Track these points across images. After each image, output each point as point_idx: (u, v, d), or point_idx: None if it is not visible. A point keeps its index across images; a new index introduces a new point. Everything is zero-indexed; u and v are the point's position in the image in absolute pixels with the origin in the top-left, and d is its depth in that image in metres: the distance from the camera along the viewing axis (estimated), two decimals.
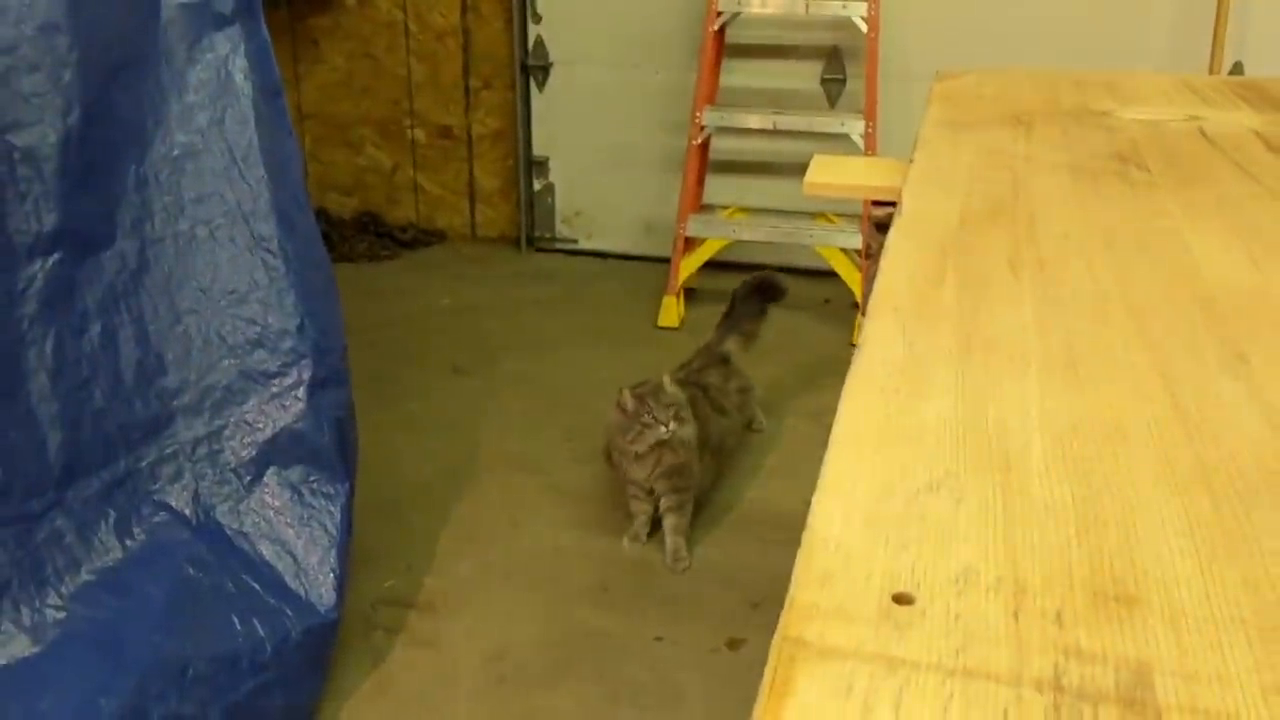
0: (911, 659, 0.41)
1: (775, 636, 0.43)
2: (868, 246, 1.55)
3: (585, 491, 2.55)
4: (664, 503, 2.29)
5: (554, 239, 4.26)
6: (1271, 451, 0.55)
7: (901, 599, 0.44)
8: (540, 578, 2.23)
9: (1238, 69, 3.43)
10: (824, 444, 2.44)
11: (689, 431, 2.25)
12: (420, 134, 4.32)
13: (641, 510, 2.31)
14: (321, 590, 1.82)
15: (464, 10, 4.12)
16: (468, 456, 2.73)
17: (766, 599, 2.17)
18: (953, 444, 0.56)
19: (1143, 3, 3.47)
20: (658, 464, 2.25)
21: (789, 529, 2.05)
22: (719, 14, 3.34)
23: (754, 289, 2.80)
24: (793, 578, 0.46)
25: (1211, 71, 3.29)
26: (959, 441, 0.56)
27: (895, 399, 0.61)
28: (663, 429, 2.19)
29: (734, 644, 2.04)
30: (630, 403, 2.23)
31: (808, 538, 0.48)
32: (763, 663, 1.73)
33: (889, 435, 0.57)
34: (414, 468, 2.65)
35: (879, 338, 0.69)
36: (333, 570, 1.84)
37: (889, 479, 0.53)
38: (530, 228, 4.25)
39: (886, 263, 0.82)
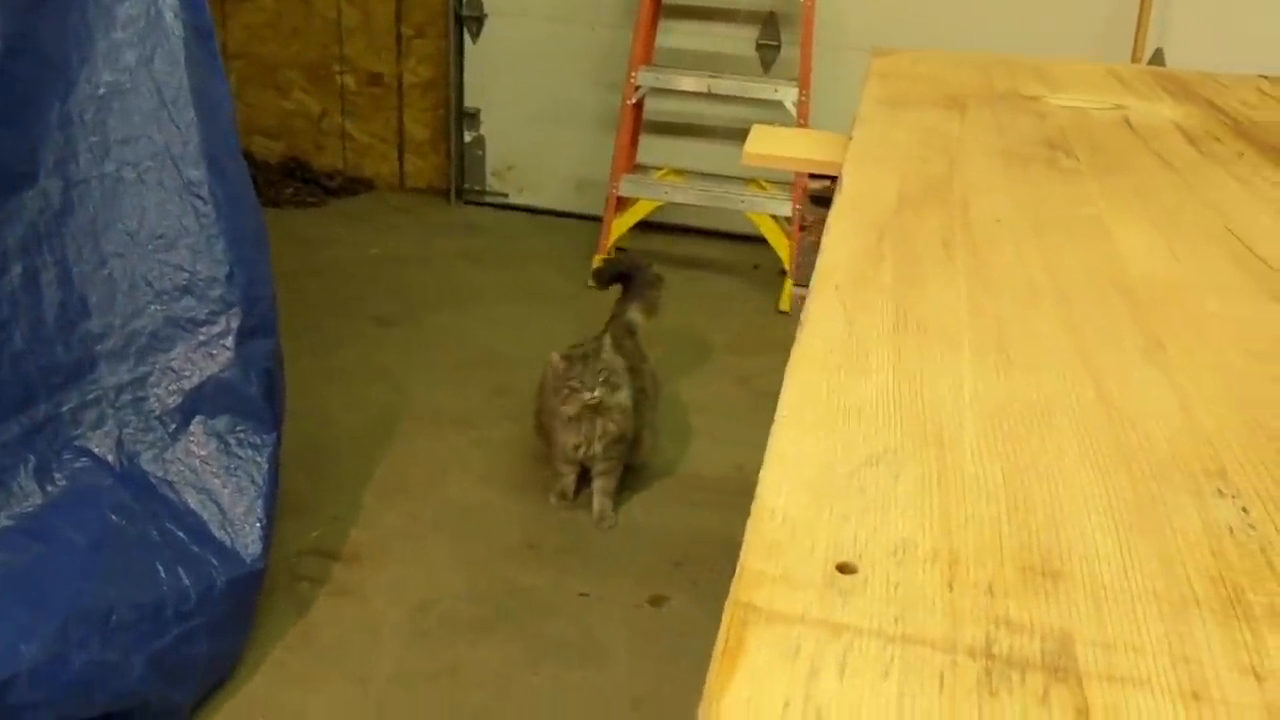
0: (854, 625, 0.44)
1: (727, 601, 0.45)
2: (802, 217, 1.58)
3: (515, 448, 2.57)
4: (597, 468, 2.31)
5: (484, 192, 4.23)
6: (1184, 436, 0.59)
7: (845, 568, 0.47)
8: (467, 532, 2.25)
9: (1159, 55, 3.53)
10: (750, 407, 2.54)
11: (624, 397, 2.26)
12: (350, 80, 4.25)
13: (569, 471, 2.33)
14: (247, 540, 1.82)
15: None
16: (396, 409, 2.72)
17: (689, 558, 2.21)
18: (890, 421, 0.59)
19: None
20: (599, 433, 2.25)
21: (713, 490, 2.12)
22: None
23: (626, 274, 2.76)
24: (743, 546, 0.49)
25: (1134, 57, 3.37)
26: (896, 419, 0.59)
27: (836, 375, 0.64)
28: (587, 394, 2.19)
29: (656, 601, 2.08)
30: (560, 365, 2.23)
31: (756, 508, 0.51)
32: (685, 619, 1.79)
33: (831, 410, 0.60)
34: (341, 418, 2.64)
35: (820, 315, 0.72)
36: (259, 520, 1.84)
37: (831, 453, 0.56)
38: (460, 180, 4.22)
39: (828, 240, 0.85)
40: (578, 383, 2.20)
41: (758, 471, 2.10)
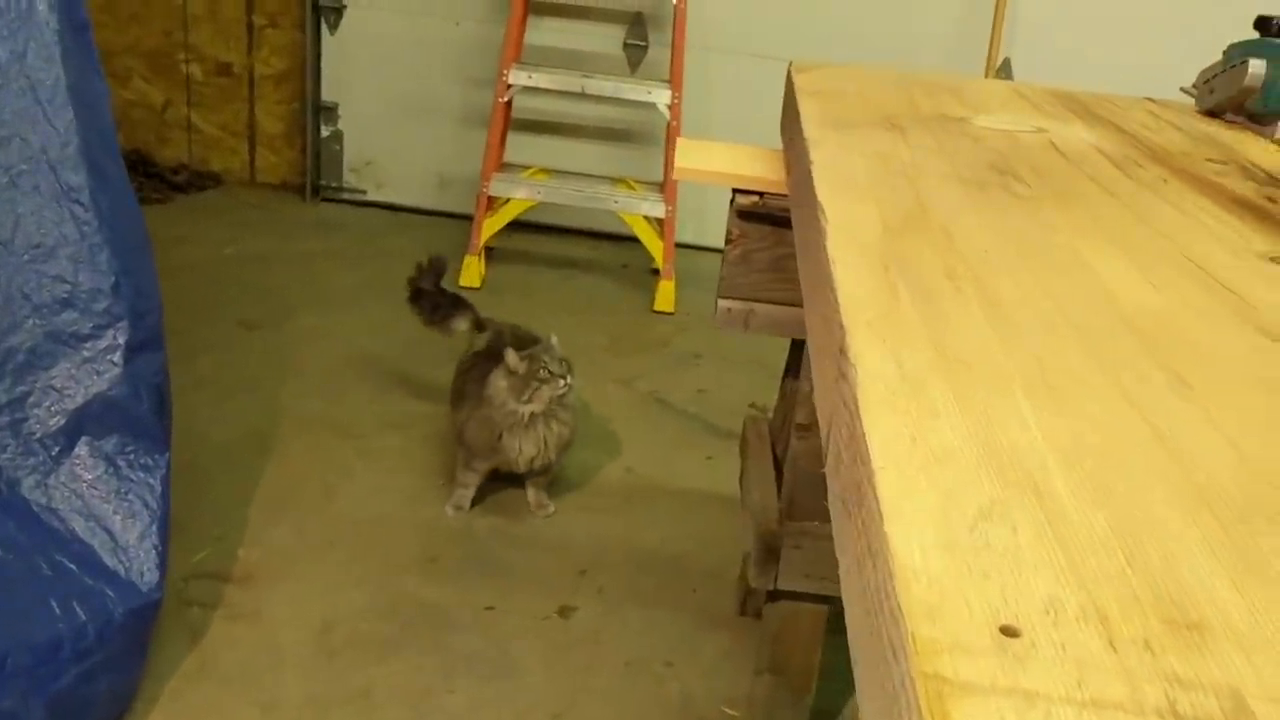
0: (1044, 692, 0.44)
1: (912, 671, 0.46)
2: (730, 231, 1.59)
3: (401, 456, 2.51)
4: (536, 474, 2.34)
5: (341, 189, 4.11)
6: (1244, 475, 0.62)
7: (1008, 631, 0.48)
8: (363, 547, 2.19)
9: (1006, 64, 3.71)
10: (636, 408, 2.58)
11: (573, 395, 2.26)
12: (196, 69, 4.06)
13: (472, 482, 2.29)
14: (143, 568, 1.72)
15: None
16: (271, 418, 2.62)
17: (593, 565, 2.21)
18: (981, 468, 0.60)
19: (931, 1, 3.68)
20: (556, 440, 2.22)
21: (609, 495, 2.14)
22: None
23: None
24: (901, 610, 0.49)
25: (987, 67, 3.54)
26: (985, 465, 0.61)
27: (909, 419, 0.65)
28: (561, 381, 2.17)
29: (565, 611, 2.07)
30: (521, 364, 2.17)
31: (898, 569, 0.51)
32: (595, 629, 1.80)
33: (922, 459, 0.61)
34: (213, 430, 2.52)
35: (867, 354, 0.73)
36: (154, 546, 1.74)
37: (942, 506, 0.57)
38: (316, 176, 4.09)
39: (840, 273, 0.86)
40: (546, 374, 2.14)
41: (650, 473, 2.18)
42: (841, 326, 0.78)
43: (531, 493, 2.35)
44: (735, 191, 1.58)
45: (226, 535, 2.17)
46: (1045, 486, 0.59)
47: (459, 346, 2.53)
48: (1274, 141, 1.54)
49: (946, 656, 0.46)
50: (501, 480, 2.38)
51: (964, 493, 0.58)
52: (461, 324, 2.50)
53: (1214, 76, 1.67)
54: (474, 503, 2.33)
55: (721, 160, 1.57)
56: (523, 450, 2.22)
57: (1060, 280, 0.90)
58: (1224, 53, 1.68)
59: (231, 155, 4.16)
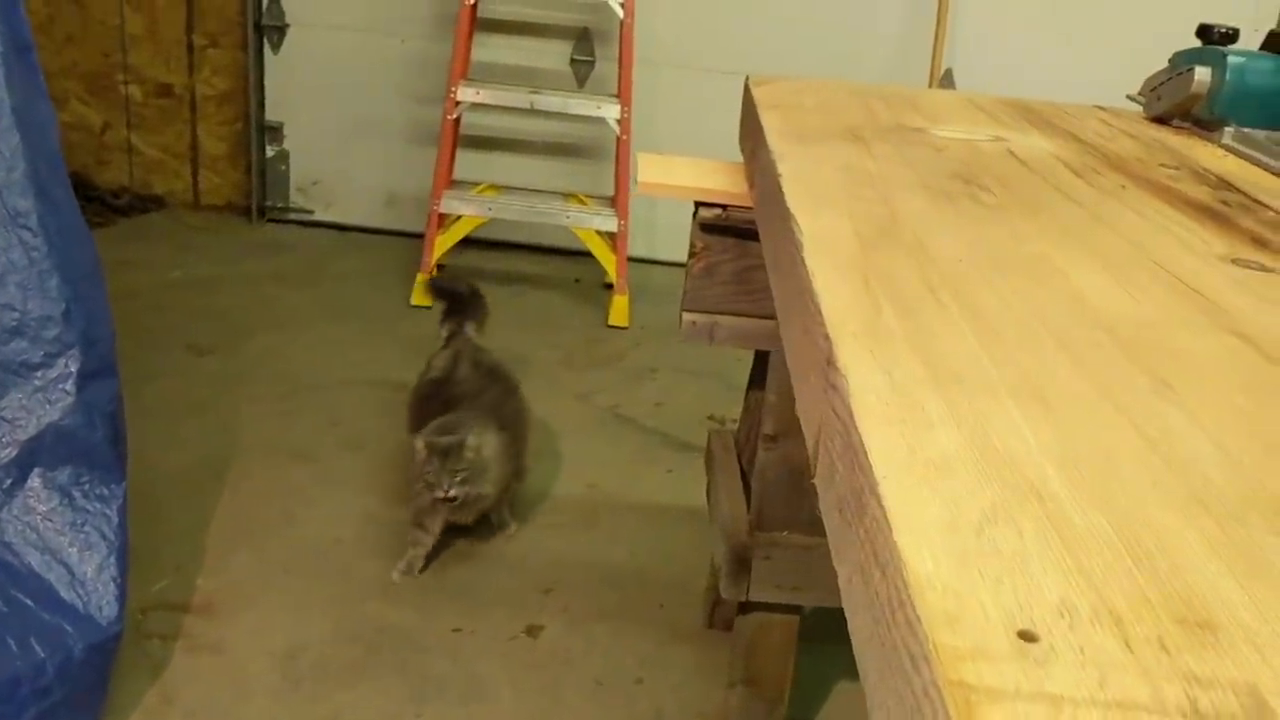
0: (1069, 695, 0.45)
1: (937, 679, 0.46)
2: (693, 245, 1.60)
3: (360, 480, 2.48)
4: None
5: (288, 209, 4.07)
6: (1235, 476, 0.63)
7: (1026, 635, 0.48)
8: (324, 572, 2.15)
9: (948, 75, 3.77)
10: (594, 424, 2.57)
11: (486, 488, 2.18)
12: (136, 91, 3.99)
13: (423, 544, 2.20)
14: (101, 601, 1.68)
15: None
16: (226, 444, 2.58)
17: (558, 584, 2.20)
18: (981, 475, 0.61)
19: (870, 13, 3.73)
20: (467, 515, 2.21)
21: (570, 512, 2.13)
22: None
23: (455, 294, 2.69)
24: (920, 619, 0.49)
25: (931, 78, 3.59)
26: (985, 473, 0.61)
27: (905, 429, 0.65)
28: (439, 491, 2.08)
29: (532, 630, 2.06)
30: (421, 452, 2.11)
31: (912, 579, 0.51)
32: (564, 647, 1.79)
33: (923, 468, 0.61)
34: (166, 458, 2.48)
35: (856, 365, 0.73)
36: (113, 579, 1.70)
37: (947, 514, 0.57)
38: (262, 197, 4.04)
39: (821, 285, 0.86)
40: (434, 479, 2.09)
41: (611, 489, 2.18)
42: (827, 338, 0.79)
43: (493, 517, 2.32)
44: (698, 205, 1.59)
45: (184, 565, 2.13)
46: (1046, 491, 0.60)
47: (419, 363, 2.51)
48: (1221, 146, 1.58)
49: (970, 664, 0.47)
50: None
51: (967, 500, 0.59)
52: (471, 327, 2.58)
53: (1161, 84, 1.70)
54: (424, 568, 2.20)
55: (685, 174, 1.58)
56: (437, 515, 2.18)
57: (1037, 289, 0.91)
58: (1169, 61, 1.72)
59: (174, 177, 4.10)
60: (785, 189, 1.13)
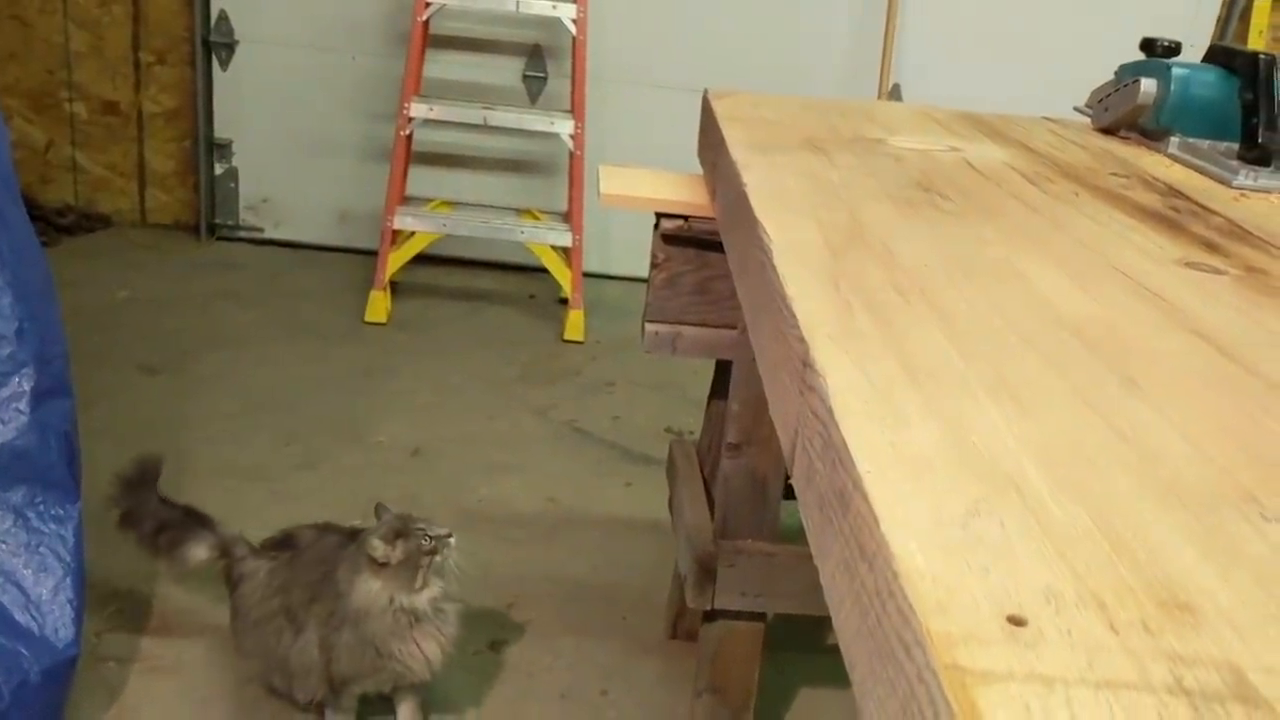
0: (1060, 676, 0.46)
1: (932, 663, 0.47)
2: (655, 256, 1.61)
3: (315, 498, 2.46)
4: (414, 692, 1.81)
5: (238, 227, 4.03)
6: (1205, 468, 0.65)
7: (1015, 620, 0.50)
8: None
9: (896, 90, 3.83)
10: (553, 438, 2.57)
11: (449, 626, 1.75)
12: (81, 108, 3.94)
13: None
14: (58, 624, 1.65)
15: None
16: (177, 464, 2.53)
17: (520, 599, 2.19)
18: (962, 470, 0.62)
19: (823, 31, 3.78)
20: (452, 628, 1.72)
21: (530, 526, 2.12)
22: (428, 4, 3.29)
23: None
24: (912, 607, 0.50)
25: (879, 92, 3.64)
26: (966, 468, 0.63)
27: (885, 426, 0.67)
28: (450, 538, 1.68)
29: (495, 646, 2.05)
30: (395, 550, 1.64)
31: (903, 570, 0.53)
32: (527, 662, 1.79)
33: (905, 464, 0.62)
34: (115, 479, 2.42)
35: (833, 366, 0.74)
36: (69, 600, 1.68)
37: (932, 508, 0.58)
38: (211, 214, 4.00)
39: (793, 289, 0.87)
40: (429, 540, 1.66)
41: (571, 503, 2.19)
42: (802, 340, 0.80)
43: (405, 713, 1.82)
44: (659, 216, 1.60)
45: (138, 586, 2.10)
46: (1025, 485, 0.62)
47: (373, 380, 2.49)
48: (1167, 155, 1.62)
49: (963, 648, 0.48)
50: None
51: (949, 494, 0.60)
52: (200, 551, 1.86)
53: (1108, 95, 1.75)
54: None
55: (646, 186, 1.59)
56: (426, 653, 1.69)
57: (1001, 291, 0.93)
58: (1115, 73, 1.76)
59: (121, 195, 4.04)
60: (752, 199, 1.15)
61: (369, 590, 1.65)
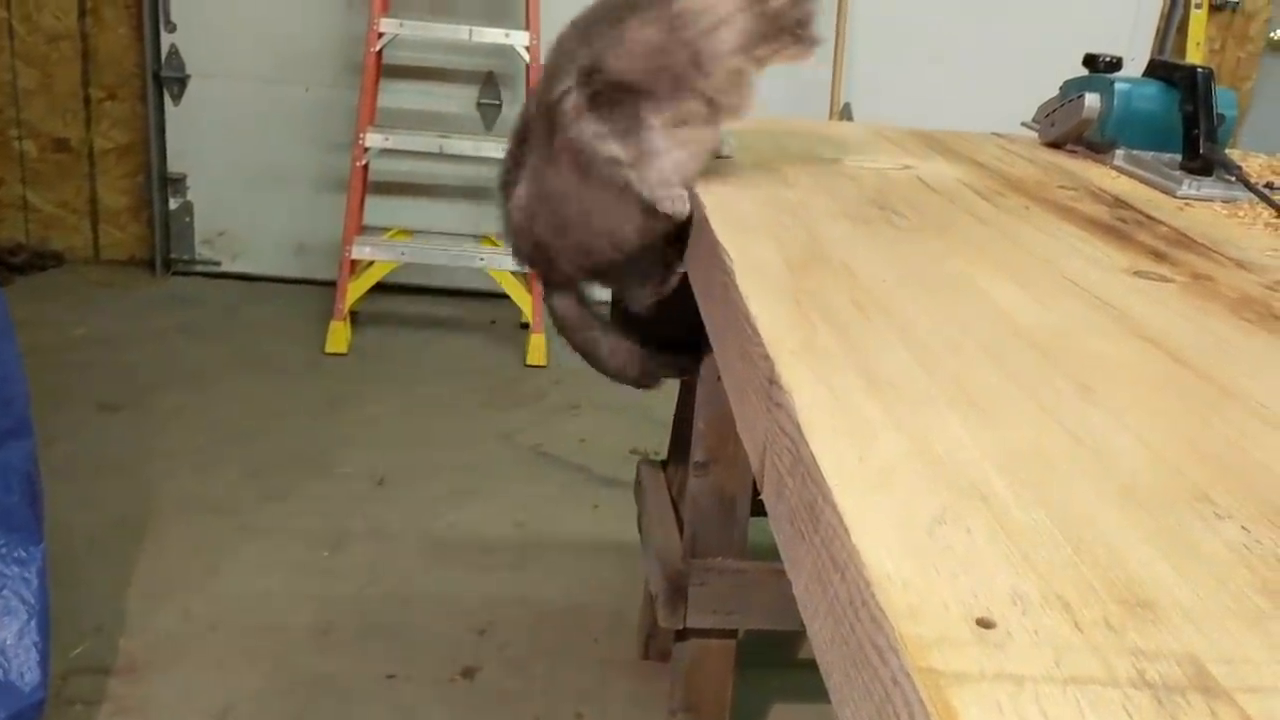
0: (1029, 674, 0.48)
1: (906, 667, 0.48)
2: None
3: (284, 530, 2.45)
4: None
5: (194, 261, 4.01)
6: (1161, 470, 0.68)
7: (984, 623, 0.51)
8: (252, 626, 2.11)
9: (847, 109, 3.88)
10: (518, 463, 2.57)
11: None
12: (30, 146, 3.90)
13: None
14: (23, 668, 1.63)
15: (82, 14, 3.78)
16: (142, 501, 2.52)
17: (492, 624, 2.19)
18: (927, 479, 0.64)
19: None
20: None
21: (500, 551, 2.13)
22: (380, 35, 3.30)
23: None
24: (884, 613, 0.52)
25: (830, 112, 3.69)
26: (931, 477, 0.64)
27: (853, 440, 0.69)
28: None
29: (468, 673, 2.05)
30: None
31: (875, 578, 0.54)
32: (501, 688, 1.80)
33: (871, 474, 0.64)
34: (79, 518, 2.41)
35: (798, 381, 0.76)
36: (34, 644, 1.66)
37: (899, 516, 0.60)
38: (166, 250, 3.97)
39: (756, 308, 0.89)
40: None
41: (540, 526, 2.17)
42: (767, 358, 0.82)
43: None
44: None
45: (104, 626, 2.08)
46: (989, 491, 0.63)
47: (336, 410, 2.48)
48: (1113, 167, 1.66)
49: (935, 651, 0.49)
50: None
51: (916, 503, 0.62)
52: None
53: (1053, 111, 1.79)
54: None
55: None
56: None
57: (958, 303, 0.96)
58: (1060, 89, 1.81)
59: (73, 233, 4.00)
60: (710, 218, 1.17)
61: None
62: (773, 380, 0.79)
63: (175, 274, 4.00)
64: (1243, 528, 0.62)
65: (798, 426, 0.71)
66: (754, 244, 1.08)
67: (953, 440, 0.69)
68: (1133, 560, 0.58)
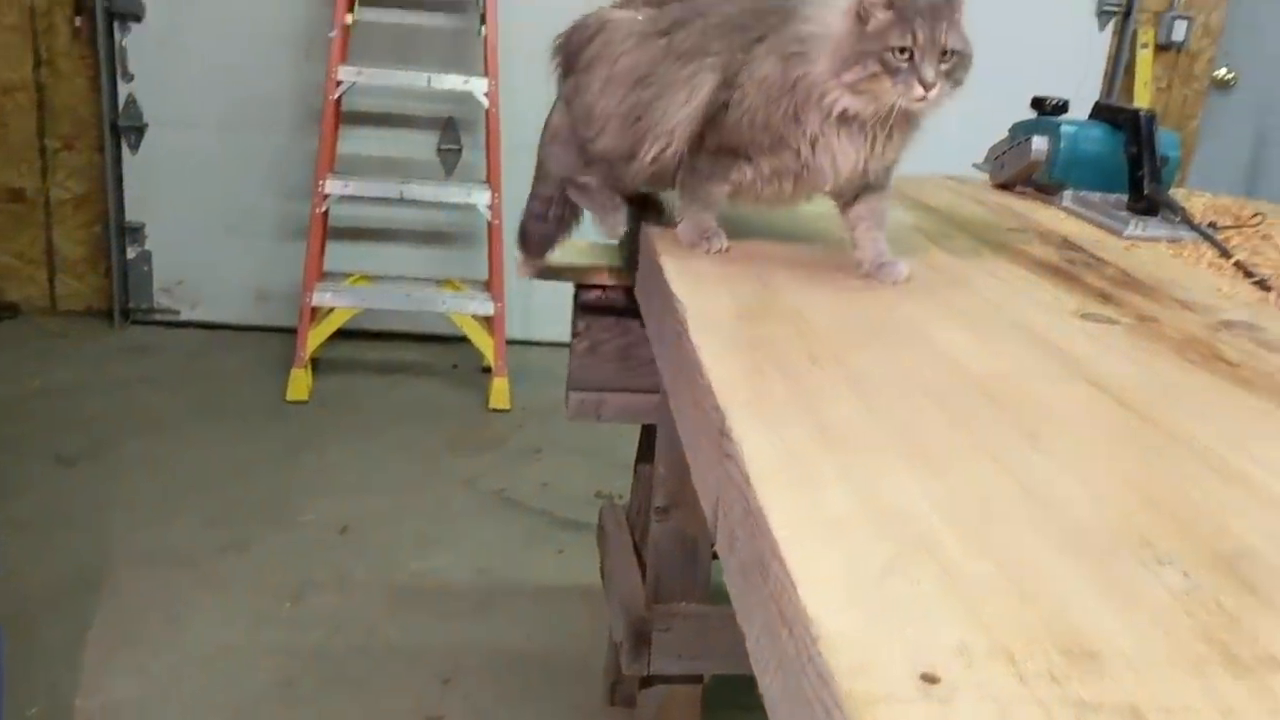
0: None
1: None
2: (574, 324, 1.63)
3: (246, 581, 2.42)
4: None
5: (152, 310, 3.98)
6: (1106, 516, 0.69)
7: (929, 678, 0.52)
8: (213, 682, 2.08)
9: None
10: (481, 508, 2.56)
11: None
12: None
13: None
14: None
15: (37, 64, 3.76)
16: (100, 555, 2.48)
17: (456, 672, 2.17)
18: (876, 531, 0.65)
19: None
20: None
21: (463, 598, 2.12)
22: (339, 83, 3.31)
23: None
24: (830, 671, 0.52)
25: None
26: (880, 528, 0.65)
27: (802, 491, 0.69)
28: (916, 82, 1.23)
29: None
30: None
31: (823, 633, 0.55)
32: None
33: (820, 526, 0.65)
34: (35, 574, 2.37)
35: (748, 432, 0.77)
36: None
37: (846, 568, 0.61)
38: (125, 299, 3.94)
39: (708, 359, 0.90)
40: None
41: (503, 573, 2.17)
42: (718, 409, 0.82)
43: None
44: (578, 286, 1.62)
45: (59, 684, 2.04)
46: (936, 542, 0.64)
47: (297, 458, 2.46)
48: (1061, 208, 1.69)
49: (882, 707, 0.50)
50: None
51: (864, 554, 0.62)
52: None
53: (1003, 153, 1.82)
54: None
55: (566, 255, 1.61)
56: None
57: (908, 351, 0.97)
58: (1009, 131, 1.84)
59: (29, 283, 3.96)
60: (665, 269, 1.18)
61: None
62: (724, 432, 0.80)
63: (134, 323, 3.96)
64: (1184, 573, 0.63)
65: (747, 478, 0.72)
66: (707, 293, 1.09)
67: (901, 490, 0.70)
68: (1077, 609, 0.58)
